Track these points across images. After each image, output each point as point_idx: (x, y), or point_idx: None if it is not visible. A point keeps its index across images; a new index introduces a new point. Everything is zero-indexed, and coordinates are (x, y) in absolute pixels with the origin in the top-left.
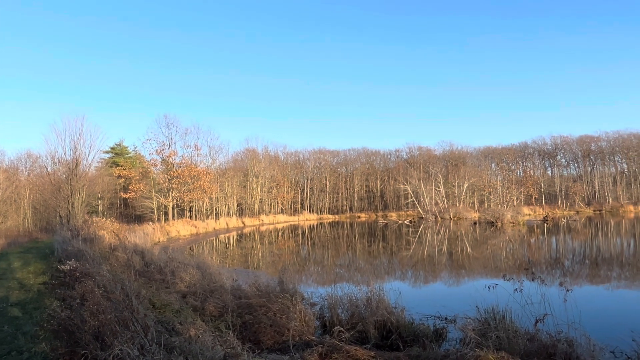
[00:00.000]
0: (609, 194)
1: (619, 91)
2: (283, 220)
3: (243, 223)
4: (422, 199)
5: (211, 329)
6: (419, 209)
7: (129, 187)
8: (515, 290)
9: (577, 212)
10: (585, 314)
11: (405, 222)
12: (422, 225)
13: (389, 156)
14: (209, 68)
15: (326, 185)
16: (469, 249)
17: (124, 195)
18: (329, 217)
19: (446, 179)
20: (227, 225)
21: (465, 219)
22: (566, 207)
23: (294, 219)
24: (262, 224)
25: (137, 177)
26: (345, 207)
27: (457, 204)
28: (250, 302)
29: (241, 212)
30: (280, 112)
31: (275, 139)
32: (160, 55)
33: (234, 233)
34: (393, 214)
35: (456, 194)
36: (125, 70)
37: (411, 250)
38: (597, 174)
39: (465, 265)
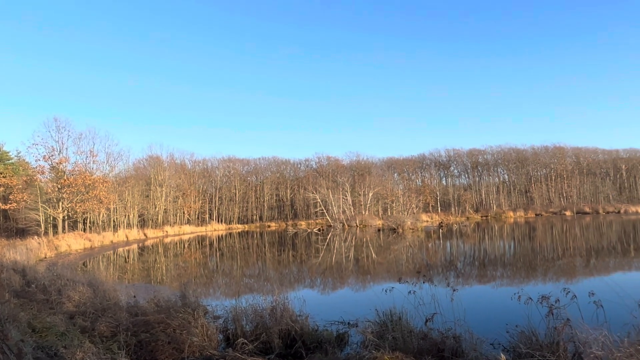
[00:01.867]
0: (494, 202)
1: (502, 108)
2: (189, 231)
3: (145, 235)
4: (330, 208)
5: (101, 350)
6: (328, 217)
7: (10, 196)
8: (410, 292)
9: (468, 218)
10: (469, 311)
11: (315, 230)
12: (330, 233)
13: (299, 165)
14: (108, 70)
15: (236, 194)
16: (373, 254)
17: (3, 207)
18: (238, 227)
19: (353, 188)
20: (127, 237)
21: (371, 226)
22: (458, 213)
23: (201, 230)
24: (167, 236)
25: (20, 186)
26: (255, 217)
27: (363, 212)
28: (147, 319)
29: (143, 223)
30: (186, 120)
31: (181, 146)
32: (50, 53)
33: (135, 246)
34: (303, 223)
35: (362, 203)
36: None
37: (320, 258)
38: (484, 184)
39: (371, 270)
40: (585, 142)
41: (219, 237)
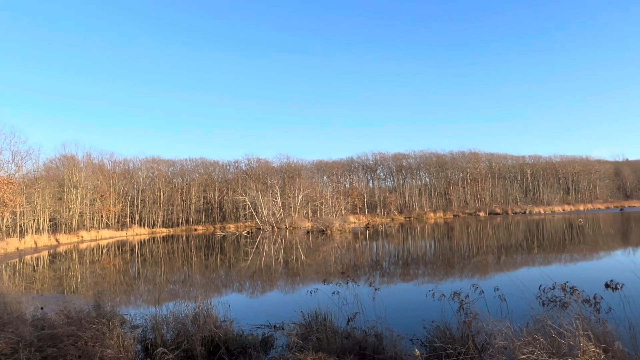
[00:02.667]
0: (416, 204)
1: (426, 113)
2: (108, 236)
3: (57, 241)
4: (260, 210)
5: None
6: (257, 220)
7: None
8: (334, 293)
9: (392, 219)
10: (390, 309)
11: (244, 233)
12: (260, 236)
13: (227, 167)
14: (17, 60)
15: (160, 196)
16: (303, 256)
17: None
18: (162, 231)
19: (283, 190)
20: (36, 244)
21: (300, 228)
22: (384, 215)
23: (121, 235)
24: (82, 241)
25: None
26: (181, 220)
27: (293, 214)
28: (55, 333)
29: (55, 228)
30: (105, 118)
31: (99, 145)
32: None
33: (45, 253)
34: (231, 226)
35: (292, 205)
36: None
37: (249, 261)
38: (407, 186)
39: (300, 272)
40: (496, 148)
41: (141, 242)
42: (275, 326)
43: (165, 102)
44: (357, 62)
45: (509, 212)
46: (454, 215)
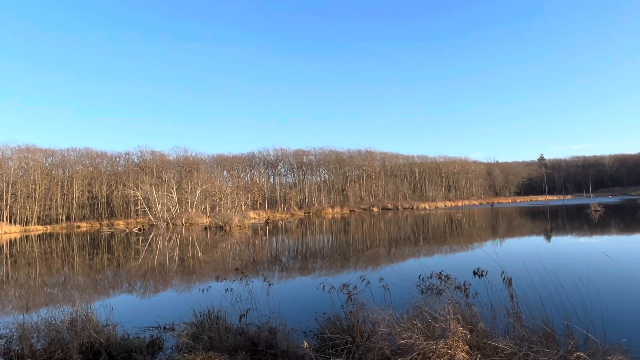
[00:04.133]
0: (315, 199)
1: (328, 110)
2: None
3: None
4: (153, 206)
5: None
6: (150, 216)
7: None
8: (227, 290)
9: (292, 214)
10: (285, 303)
11: (135, 230)
12: (153, 233)
13: (117, 159)
14: None
15: (35, 190)
16: (200, 253)
17: None
18: (38, 229)
19: (179, 185)
20: None
21: (198, 224)
22: (284, 210)
23: None
24: None
25: None
26: (61, 216)
27: (190, 210)
28: None
29: None
30: None
31: None
32: None
33: None
34: (121, 222)
35: (189, 200)
36: None
37: (140, 260)
38: (307, 183)
39: (197, 270)
40: (389, 147)
41: (11, 241)
42: (165, 327)
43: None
44: (253, 55)
45: (399, 207)
46: (350, 211)
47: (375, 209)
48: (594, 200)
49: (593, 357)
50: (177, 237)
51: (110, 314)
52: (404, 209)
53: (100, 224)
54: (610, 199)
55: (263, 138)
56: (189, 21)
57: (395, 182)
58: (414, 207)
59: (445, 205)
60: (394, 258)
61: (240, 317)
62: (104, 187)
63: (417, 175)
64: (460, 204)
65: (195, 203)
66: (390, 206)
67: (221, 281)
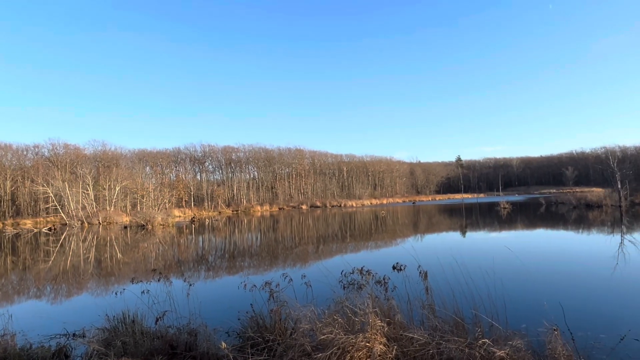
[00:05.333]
0: (244, 197)
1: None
2: None
3: None
4: (66, 203)
5: None
6: (63, 215)
7: None
8: (143, 292)
9: (220, 212)
10: (207, 303)
11: (44, 229)
12: (65, 233)
13: (24, 152)
14: None
15: None
16: (119, 254)
17: None
18: None
19: (97, 181)
20: None
21: (116, 223)
22: (211, 208)
23: None
24: None
25: None
26: None
27: (108, 208)
28: None
29: None
30: None
31: None
32: None
33: None
34: (28, 221)
35: (107, 197)
36: None
37: (50, 262)
38: (236, 180)
39: (115, 271)
40: (318, 146)
41: None
42: (74, 334)
43: None
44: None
45: (328, 205)
46: (279, 209)
47: (304, 207)
48: (503, 199)
49: (496, 343)
50: (93, 237)
51: (9, 322)
52: (332, 206)
53: (3, 223)
54: (517, 197)
55: (190, 134)
56: (112, 10)
57: (324, 180)
58: (342, 205)
59: (371, 203)
60: (320, 255)
61: (157, 319)
62: (8, 183)
63: (345, 174)
64: (385, 201)
65: (114, 201)
66: (318, 204)
67: (137, 283)
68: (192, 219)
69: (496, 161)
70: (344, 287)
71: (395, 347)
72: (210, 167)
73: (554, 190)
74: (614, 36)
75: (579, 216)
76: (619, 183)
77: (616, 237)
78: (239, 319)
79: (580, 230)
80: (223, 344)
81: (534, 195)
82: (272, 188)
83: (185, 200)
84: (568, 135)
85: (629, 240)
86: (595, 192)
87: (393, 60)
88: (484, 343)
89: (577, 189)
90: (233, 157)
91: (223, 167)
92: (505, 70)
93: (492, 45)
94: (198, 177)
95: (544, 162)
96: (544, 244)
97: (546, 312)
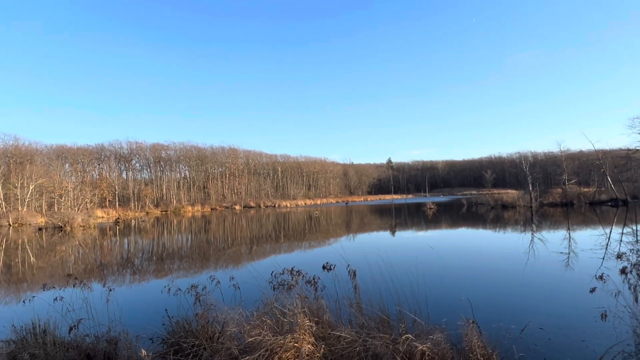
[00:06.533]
0: (174, 197)
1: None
2: None
3: None
4: None
5: None
6: None
7: None
8: (56, 299)
9: (147, 213)
10: (129, 310)
11: None
12: None
13: None
14: None
15: None
16: (32, 258)
17: None
18: None
19: (7, 179)
20: None
21: (30, 224)
22: (138, 208)
23: None
24: None
25: None
26: None
27: (20, 208)
28: None
29: None
30: None
31: None
32: None
33: None
34: None
35: (19, 197)
36: None
37: None
38: (166, 179)
39: (27, 277)
40: (253, 146)
41: None
42: None
43: None
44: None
45: (262, 205)
46: (211, 209)
47: (237, 207)
48: (430, 199)
49: (418, 337)
50: (2, 240)
51: None
52: (266, 207)
53: None
54: (442, 198)
55: (115, 132)
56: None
57: (259, 180)
58: (276, 205)
59: (305, 204)
60: (254, 256)
61: (70, 328)
62: None
63: (279, 174)
64: (319, 202)
65: (27, 200)
66: (252, 204)
67: (49, 290)
68: (116, 219)
69: (424, 164)
70: (274, 288)
71: (324, 346)
72: (137, 165)
73: (475, 192)
74: (528, 51)
75: (496, 216)
76: (530, 185)
77: (527, 235)
78: (163, 325)
79: (497, 229)
80: (143, 351)
81: (457, 196)
82: (204, 188)
83: (109, 200)
84: (488, 140)
85: (538, 238)
86: (510, 194)
87: (328, 63)
88: (407, 338)
89: (495, 191)
90: (163, 155)
91: (152, 165)
92: (433, 79)
93: (419, 54)
94: (124, 175)
95: (467, 166)
96: (464, 242)
97: (465, 306)
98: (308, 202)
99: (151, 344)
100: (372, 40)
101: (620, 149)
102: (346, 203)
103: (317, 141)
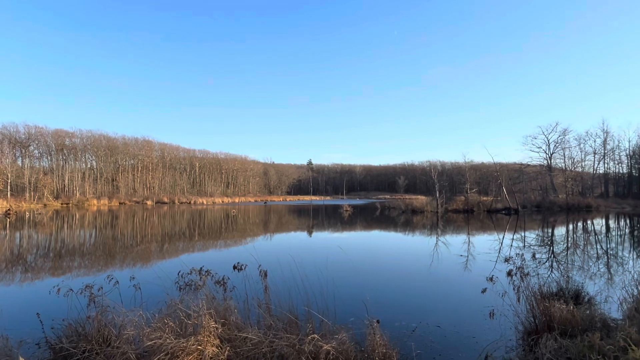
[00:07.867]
0: (78, 188)
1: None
2: None
3: None
4: None
5: None
6: None
7: None
8: None
9: (45, 205)
10: (11, 313)
11: None
12: None
13: None
14: None
15: None
16: None
17: None
18: None
19: None
20: None
21: None
22: (34, 200)
23: None
24: None
25: None
26: None
27: None
28: None
29: None
30: None
31: None
32: None
33: None
34: None
35: None
36: None
37: None
38: (69, 169)
39: None
40: (170, 139)
41: None
42: None
43: None
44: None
45: (176, 201)
46: (120, 203)
47: (149, 203)
48: (346, 202)
49: (324, 337)
50: None
51: None
52: (181, 203)
53: None
54: (358, 201)
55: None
56: None
57: (174, 175)
58: (192, 202)
59: (223, 201)
60: (164, 254)
61: None
62: None
63: (197, 170)
64: (237, 200)
65: None
66: (166, 200)
67: None
68: (7, 211)
69: (342, 167)
70: (180, 289)
71: (229, 348)
72: (36, 152)
73: (389, 196)
74: (443, 66)
75: (406, 220)
76: (437, 193)
77: (433, 239)
78: (52, 328)
79: (406, 232)
80: (21, 358)
81: (372, 199)
82: (113, 180)
83: None
84: (403, 148)
85: (442, 242)
86: (420, 200)
87: (254, 61)
88: (313, 338)
89: (407, 196)
90: (67, 142)
91: (53, 153)
92: (349, 87)
93: (347, 62)
94: (19, 162)
95: (382, 171)
96: (375, 244)
97: (371, 306)
98: (226, 200)
99: (37, 349)
100: (299, 45)
101: (515, 163)
102: (265, 202)
103: (238, 138)
